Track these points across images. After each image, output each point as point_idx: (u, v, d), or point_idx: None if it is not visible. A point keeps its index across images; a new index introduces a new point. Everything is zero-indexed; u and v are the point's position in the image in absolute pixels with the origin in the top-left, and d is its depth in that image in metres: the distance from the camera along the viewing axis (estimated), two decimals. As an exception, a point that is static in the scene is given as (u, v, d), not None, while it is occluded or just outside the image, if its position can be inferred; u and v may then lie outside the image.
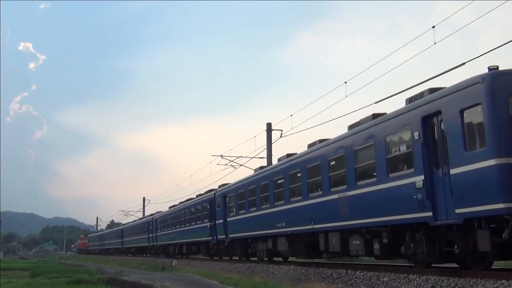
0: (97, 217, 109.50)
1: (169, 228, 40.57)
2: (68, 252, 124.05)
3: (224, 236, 26.86)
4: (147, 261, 40.72)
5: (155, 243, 46.14)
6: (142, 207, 71.31)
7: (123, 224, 69.88)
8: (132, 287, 19.96)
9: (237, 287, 16.37)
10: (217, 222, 27.82)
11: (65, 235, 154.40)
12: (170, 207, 42.98)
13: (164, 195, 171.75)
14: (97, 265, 42.97)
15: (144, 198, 71.25)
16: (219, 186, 29.85)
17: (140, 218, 58.88)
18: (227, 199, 26.81)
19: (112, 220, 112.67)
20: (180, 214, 37.62)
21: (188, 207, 35.21)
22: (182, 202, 38.99)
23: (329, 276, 15.38)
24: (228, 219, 26.27)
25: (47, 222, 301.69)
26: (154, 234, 46.02)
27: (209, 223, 29.29)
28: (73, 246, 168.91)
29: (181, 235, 36.86)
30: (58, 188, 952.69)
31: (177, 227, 37.97)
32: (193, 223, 33.44)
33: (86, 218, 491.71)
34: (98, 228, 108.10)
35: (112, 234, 75.29)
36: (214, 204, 28.61)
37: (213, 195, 29.40)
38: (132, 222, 62.90)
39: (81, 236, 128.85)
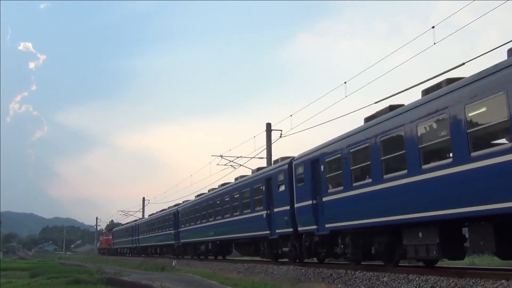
0: (97, 217, 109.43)
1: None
2: (68, 252, 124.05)
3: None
4: (147, 261, 40.70)
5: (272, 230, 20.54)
6: (142, 207, 71.46)
7: (178, 205, 39.62)
8: (131, 287, 19.97)
9: (237, 287, 16.38)
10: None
11: (65, 235, 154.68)
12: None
13: (164, 195, 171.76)
14: (97, 265, 42.98)
15: (143, 198, 71.32)
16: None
17: (223, 185, 28.70)
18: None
19: (112, 220, 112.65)
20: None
21: None
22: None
23: (328, 276, 15.37)
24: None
25: (47, 222, 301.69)
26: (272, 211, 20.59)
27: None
28: (72, 246, 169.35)
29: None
30: (58, 188, 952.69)
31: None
32: None
33: (86, 218, 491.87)
34: (98, 229, 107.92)
35: (155, 222, 45.57)
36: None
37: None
38: (199, 197, 33.15)
39: (104, 231, 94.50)
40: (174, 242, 38.16)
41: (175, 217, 38.10)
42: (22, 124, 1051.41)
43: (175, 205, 40.86)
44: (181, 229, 36.45)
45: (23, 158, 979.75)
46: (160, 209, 47.59)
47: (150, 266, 34.18)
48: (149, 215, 52.28)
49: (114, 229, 76.89)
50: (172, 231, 38.23)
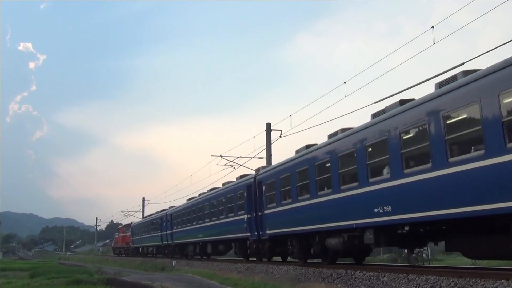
0: (97, 217, 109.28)
1: None
2: (68, 253, 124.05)
3: None
4: (147, 261, 40.65)
5: None
6: (141, 207, 71.46)
7: (246, 175, 25.63)
8: (131, 287, 19.96)
9: (237, 287, 16.38)
10: None
11: (65, 236, 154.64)
12: None
13: (164, 195, 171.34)
14: (97, 265, 42.98)
15: (143, 198, 71.24)
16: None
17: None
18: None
19: (112, 221, 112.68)
20: None
21: None
22: None
23: (328, 276, 15.36)
24: None
25: (47, 223, 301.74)
26: None
27: None
28: (72, 246, 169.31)
29: None
30: (58, 188, 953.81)
31: None
32: None
33: (86, 218, 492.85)
34: (98, 229, 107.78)
35: (202, 207, 31.13)
36: None
37: None
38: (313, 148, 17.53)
39: (120, 227, 76.84)
40: (247, 234, 23.40)
41: (250, 193, 23.08)
42: (22, 124, 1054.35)
43: (241, 176, 26.03)
44: (266, 212, 21.19)
45: (23, 158, 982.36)
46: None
47: (150, 266, 34.19)
48: (188, 199, 36.70)
49: (133, 223, 60.04)
50: (245, 217, 23.48)
